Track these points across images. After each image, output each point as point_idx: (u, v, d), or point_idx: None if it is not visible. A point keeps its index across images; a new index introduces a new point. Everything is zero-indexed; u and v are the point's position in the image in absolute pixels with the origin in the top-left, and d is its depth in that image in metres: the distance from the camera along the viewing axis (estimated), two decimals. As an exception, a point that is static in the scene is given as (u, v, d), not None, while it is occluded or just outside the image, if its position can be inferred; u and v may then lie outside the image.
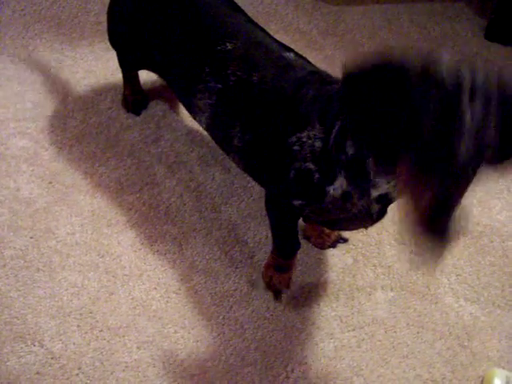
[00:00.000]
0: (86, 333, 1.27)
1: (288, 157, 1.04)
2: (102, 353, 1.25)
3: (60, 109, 1.62)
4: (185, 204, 1.47)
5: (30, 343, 1.26)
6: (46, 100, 1.64)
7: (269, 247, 1.34)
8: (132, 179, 1.50)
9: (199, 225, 1.44)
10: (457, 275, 1.45)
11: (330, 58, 1.84)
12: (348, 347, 1.31)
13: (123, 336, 1.28)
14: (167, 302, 1.33)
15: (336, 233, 1.42)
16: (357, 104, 0.83)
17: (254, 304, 1.34)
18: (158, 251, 1.39)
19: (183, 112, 1.64)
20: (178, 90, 1.34)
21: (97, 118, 1.60)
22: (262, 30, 1.23)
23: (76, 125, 1.59)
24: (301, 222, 1.32)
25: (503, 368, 1.32)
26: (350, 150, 0.94)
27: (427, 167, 0.77)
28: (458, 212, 0.80)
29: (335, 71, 1.75)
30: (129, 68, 1.56)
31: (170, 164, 1.53)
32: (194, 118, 1.33)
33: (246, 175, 1.31)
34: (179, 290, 1.34)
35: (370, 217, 1.05)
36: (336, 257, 1.43)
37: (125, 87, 1.61)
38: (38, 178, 1.48)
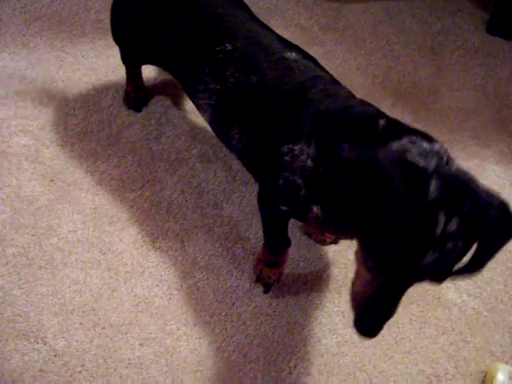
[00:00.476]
0: (88, 330, 1.27)
1: (279, 165, 1.03)
2: (104, 350, 1.26)
3: (61, 106, 1.62)
4: (186, 201, 1.47)
5: (33, 341, 1.26)
6: (47, 98, 1.64)
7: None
8: (133, 176, 1.49)
9: (201, 222, 1.44)
10: (459, 270, 1.45)
11: (330, 54, 1.83)
12: (351, 343, 1.31)
13: (126, 333, 1.28)
14: (169, 298, 1.33)
15: None
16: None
17: (257, 300, 1.34)
18: (159, 248, 1.39)
19: (185, 109, 1.64)
20: (183, 85, 1.34)
21: (98, 116, 1.60)
22: (265, 27, 1.22)
23: (77, 122, 1.59)
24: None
25: (506, 363, 1.32)
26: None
27: (383, 266, 0.79)
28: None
29: (335, 65, 1.78)
30: (133, 64, 1.56)
31: (171, 161, 1.53)
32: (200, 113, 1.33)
33: (247, 172, 1.31)
34: (181, 286, 1.34)
35: None
36: (338, 253, 1.43)
37: (127, 83, 1.60)
38: (39, 176, 1.47)
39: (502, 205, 0.79)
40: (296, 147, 0.99)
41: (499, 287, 1.44)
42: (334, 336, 1.32)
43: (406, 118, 1.71)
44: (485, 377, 1.31)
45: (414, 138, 0.84)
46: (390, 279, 0.80)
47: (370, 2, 2.04)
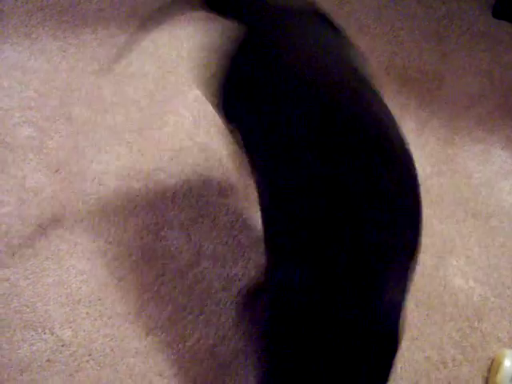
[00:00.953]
0: (95, 320, 1.28)
1: None
2: (111, 339, 1.26)
3: (64, 97, 1.62)
4: (191, 189, 1.47)
5: (40, 331, 1.26)
6: (51, 88, 1.63)
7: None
8: (138, 166, 1.49)
9: (206, 210, 1.44)
10: (466, 257, 1.44)
11: (335, 40, 1.82)
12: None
13: (132, 322, 1.28)
14: (175, 287, 1.33)
15: None
16: None
17: (263, 288, 1.34)
18: (165, 237, 1.39)
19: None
20: None
21: (101, 105, 1.60)
22: None
23: (80, 113, 1.58)
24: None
25: (513, 349, 1.32)
26: None
27: None
28: None
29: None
30: None
31: (175, 150, 1.53)
32: None
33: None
34: (187, 275, 1.34)
35: None
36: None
37: None
38: (44, 167, 1.47)
39: None
40: None
41: (506, 273, 1.43)
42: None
43: (412, 104, 1.70)
44: (492, 363, 1.30)
45: None
46: None
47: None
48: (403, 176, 0.89)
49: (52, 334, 1.26)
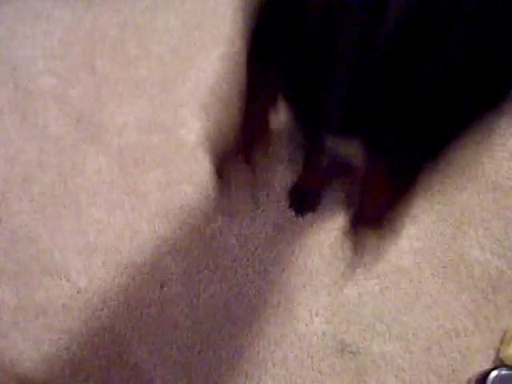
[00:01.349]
0: (110, 269, 1.29)
1: None
2: (126, 289, 1.27)
3: (88, 48, 1.60)
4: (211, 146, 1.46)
5: (56, 277, 1.27)
6: (74, 39, 1.62)
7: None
8: (160, 119, 1.48)
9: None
10: (484, 228, 1.43)
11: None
12: (371, 294, 1.31)
13: (147, 273, 1.29)
14: (192, 241, 1.33)
15: None
16: None
17: (279, 247, 1.34)
18: (183, 191, 1.38)
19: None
20: None
21: (124, 58, 1.58)
22: None
23: (103, 64, 1.57)
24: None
25: (527, 321, 1.31)
26: None
27: None
28: None
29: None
30: None
31: (199, 104, 1.51)
32: None
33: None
34: (204, 230, 1.34)
35: None
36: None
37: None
38: (65, 116, 1.47)
39: None
40: None
41: (524, 247, 1.42)
42: (356, 287, 1.32)
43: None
44: (504, 335, 1.30)
45: None
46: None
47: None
48: None
49: (68, 281, 1.27)
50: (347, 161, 1.03)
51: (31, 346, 1.22)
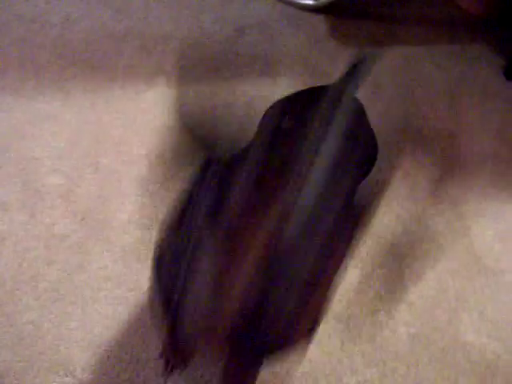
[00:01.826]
0: (115, 364, 1.31)
1: None
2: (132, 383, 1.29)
3: (93, 148, 1.69)
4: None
5: (62, 374, 1.30)
6: (80, 139, 1.72)
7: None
8: (161, 215, 1.55)
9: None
10: (479, 312, 1.47)
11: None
12: (371, 382, 1.33)
13: (151, 368, 1.31)
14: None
15: None
16: None
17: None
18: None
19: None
20: None
21: (127, 157, 1.67)
22: None
23: (107, 163, 1.66)
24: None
25: (526, 407, 1.32)
26: None
27: None
28: None
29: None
30: None
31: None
32: None
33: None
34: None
35: None
36: (358, 292, 1.46)
37: None
38: (71, 214, 1.54)
39: None
40: None
41: (519, 330, 1.45)
42: (355, 376, 1.34)
43: (426, 163, 1.76)
44: (504, 420, 1.32)
45: None
46: None
47: (390, 48, 2.11)
48: None
49: (73, 377, 1.30)
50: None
51: None
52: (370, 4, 2.32)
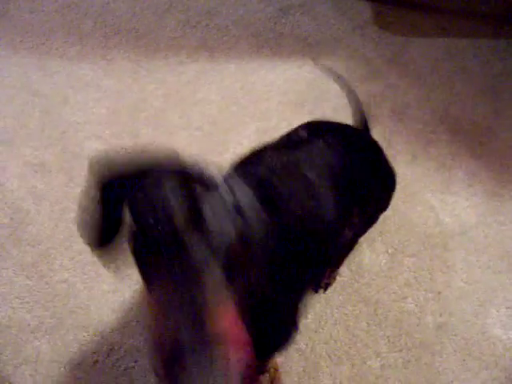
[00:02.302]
0: (143, 327, 1.34)
1: None
2: (157, 349, 1.32)
3: (133, 116, 1.71)
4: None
5: (91, 332, 1.33)
6: (121, 107, 1.73)
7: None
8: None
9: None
10: (507, 307, 1.46)
11: (392, 86, 1.88)
12: (394, 367, 1.34)
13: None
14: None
15: None
16: None
17: (308, 318, 1.39)
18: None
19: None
20: None
21: (167, 127, 1.69)
22: None
23: (147, 132, 1.68)
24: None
25: (549, 403, 1.32)
26: None
27: None
28: None
29: (396, 98, 1.83)
30: None
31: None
32: None
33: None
34: None
35: None
36: (388, 278, 1.46)
37: None
38: (109, 179, 1.56)
39: None
40: None
41: (545, 328, 1.45)
42: (379, 359, 1.35)
43: (463, 154, 1.74)
44: (525, 415, 1.32)
45: None
46: None
47: (434, 39, 2.09)
48: None
49: (102, 338, 1.33)
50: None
51: (63, 400, 1.27)
52: (416, -7, 2.29)
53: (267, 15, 2.04)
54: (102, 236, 0.74)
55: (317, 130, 1.16)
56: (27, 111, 1.70)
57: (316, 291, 1.42)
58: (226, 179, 0.69)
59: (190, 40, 1.93)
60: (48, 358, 1.31)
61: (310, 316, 1.39)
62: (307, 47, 1.96)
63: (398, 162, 1.67)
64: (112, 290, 1.39)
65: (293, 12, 2.06)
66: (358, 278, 1.46)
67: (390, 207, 1.54)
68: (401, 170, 1.66)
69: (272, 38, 1.97)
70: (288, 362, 1.32)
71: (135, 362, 1.30)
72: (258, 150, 1.09)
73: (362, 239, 1.47)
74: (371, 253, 1.50)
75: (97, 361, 1.30)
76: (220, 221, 0.62)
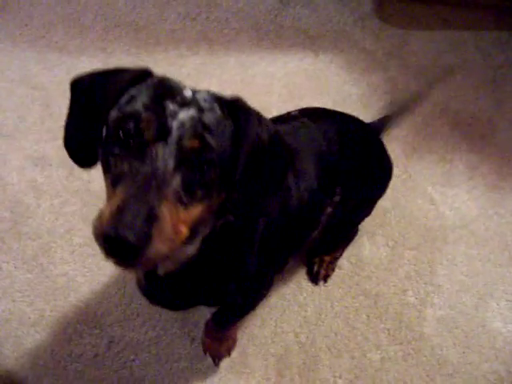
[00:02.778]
0: (144, 322, 1.34)
1: None
2: (158, 342, 1.32)
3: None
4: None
5: (91, 326, 1.33)
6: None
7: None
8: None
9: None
10: (507, 300, 1.46)
11: (393, 79, 1.87)
12: (394, 360, 1.35)
13: (180, 328, 1.34)
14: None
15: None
16: None
17: (308, 311, 1.39)
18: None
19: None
20: None
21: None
22: None
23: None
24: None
25: (548, 396, 1.32)
26: None
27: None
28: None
29: (397, 91, 1.82)
30: None
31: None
32: None
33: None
34: None
35: None
36: (388, 271, 1.47)
37: None
38: (109, 173, 1.56)
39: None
40: None
41: (546, 321, 1.45)
42: (379, 352, 1.35)
43: (463, 147, 1.74)
44: (525, 408, 1.32)
45: None
46: None
47: (435, 31, 2.07)
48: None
49: (102, 331, 1.33)
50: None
51: (64, 393, 1.28)
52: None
53: (267, 7, 2.02)
54: (85, 154, 0.79)
55: (311, 114, 1.20)
56: (27, 104, 1.70)
57: (316, 283, 1.43)
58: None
59: (189, 33, 1.92)
60: (48, 351, 1.31)
61: (309, 309, 1.39)
62: (308, 40, 1.95)
63: (398, 155, 1.66)
64: (112, 283, 1.39)
65: (293, 4, 2.04)
66: (358, 270, 1.46)
67: (390, 201, 1.54)
68: (401, 162, 1.66)
69: (272, 30, 1.96)
70: (288, 354, 1.33)
71: (135, 355, 1.31)
72: None
73: (362, 232, 1.47)
74: (371, 246, 1.50)
75: (97, 354, 1.31)
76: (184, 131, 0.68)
